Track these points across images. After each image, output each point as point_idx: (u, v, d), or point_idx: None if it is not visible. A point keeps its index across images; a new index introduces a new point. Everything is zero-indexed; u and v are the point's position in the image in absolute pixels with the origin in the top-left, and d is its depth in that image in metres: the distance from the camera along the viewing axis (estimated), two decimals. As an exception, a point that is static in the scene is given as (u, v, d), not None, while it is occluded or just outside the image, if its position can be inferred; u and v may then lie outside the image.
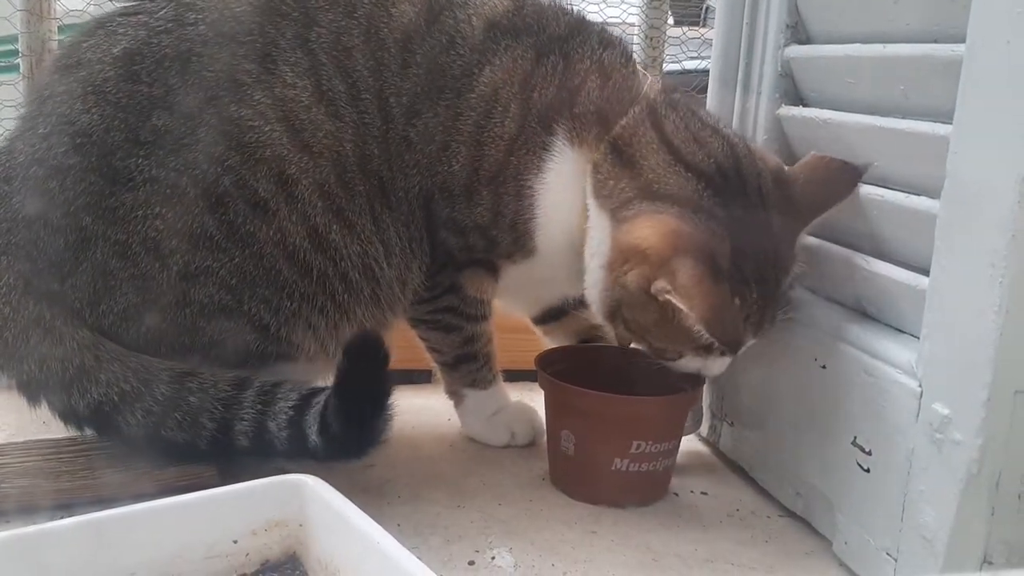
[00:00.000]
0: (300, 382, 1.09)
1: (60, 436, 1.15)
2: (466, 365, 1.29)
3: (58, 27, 1.58)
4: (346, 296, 1.14)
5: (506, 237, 1.16)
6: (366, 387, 1.01)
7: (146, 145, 1.06)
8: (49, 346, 1.07)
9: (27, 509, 1.04)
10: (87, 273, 1.07)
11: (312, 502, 0.85)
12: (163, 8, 1.10)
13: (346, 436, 1.02)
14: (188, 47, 1.08)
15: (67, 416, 1.10)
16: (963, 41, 0.85)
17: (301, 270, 1.10)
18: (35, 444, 1.14)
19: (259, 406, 1.05)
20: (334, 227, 1.11)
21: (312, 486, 0.86)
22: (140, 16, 1.11)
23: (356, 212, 1.12)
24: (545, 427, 1.26)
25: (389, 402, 1.02)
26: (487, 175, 1.14)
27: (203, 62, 1.07)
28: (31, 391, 1.10)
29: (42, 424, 1.20)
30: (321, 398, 1.04)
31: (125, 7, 1.15)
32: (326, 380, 1.16)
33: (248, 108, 1.07)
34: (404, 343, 1.28)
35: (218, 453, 1.07)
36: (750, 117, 1.25)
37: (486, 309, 1.27)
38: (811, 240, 1.14)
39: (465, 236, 1.17)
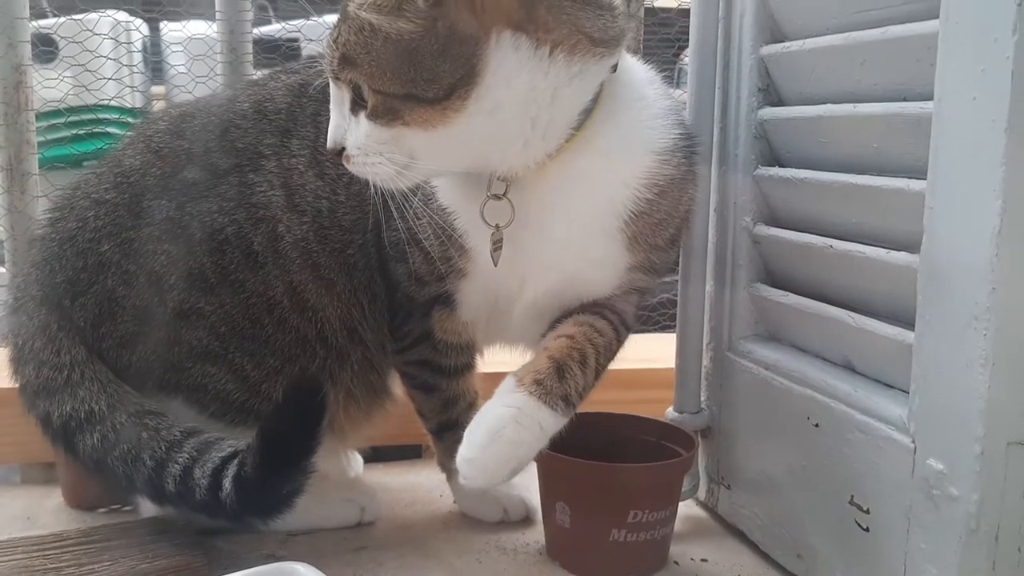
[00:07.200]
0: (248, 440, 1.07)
1: (45, 533, 1.14)
2: (450, 434, 1.25)
3: (35, 115, 1.57)
4: (327, 361, 1.16)
5: (434, 242, 1.09)
6: (295, 433, 1.00)
7: (172, 192, 1.16)
8: (48, 354, 1.15)
9: (13, 610, 1.02)
10: (96, 295, 1.15)
11: (304, 590, 0.84)
12: (226, 92, 1.28)
13: (257, 483, 1.01)
14: (230, 119, 1.21)
15: (45, 425, 1.15)
16: (931, 99, 0.87)
17: (281, 328, 1.15)
18: (20, 541, 1.12)
19: (194, 452, 1.07)
20: (310, 287, 1.16)
21: (304, 573, 0.84)
22: (206, 96, 1.30)
23: (334, 270, 1.16)
24: (539, 503, 1.23)
25: (311, 461, 1.01)
26: None
27: (237, 134, 1.19)
28: (26, 395, 1.17)
29: (26, 520, 1.18)
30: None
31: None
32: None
33: (260, 175, 1.17)
34: (395, 418, 1.29)
35: (150, 495, 1.10)
36: (728, 179, 1.26)
37: (462, 358, 1.22)
38: (797, 299, 1.14)
39: (406, 261, 1.13)
